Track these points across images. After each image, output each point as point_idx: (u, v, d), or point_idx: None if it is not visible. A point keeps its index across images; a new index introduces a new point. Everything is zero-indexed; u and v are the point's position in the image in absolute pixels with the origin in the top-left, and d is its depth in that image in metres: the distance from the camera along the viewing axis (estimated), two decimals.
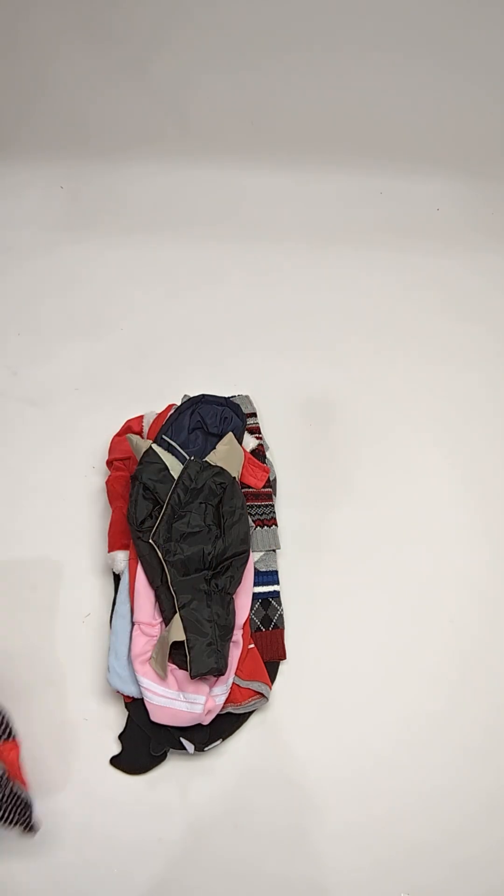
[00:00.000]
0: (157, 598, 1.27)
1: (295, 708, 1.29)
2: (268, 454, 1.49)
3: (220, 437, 1.41)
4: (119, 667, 1.25)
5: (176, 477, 1.34)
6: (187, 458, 1.37)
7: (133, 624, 1.27)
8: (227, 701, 1.23)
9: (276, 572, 1.37)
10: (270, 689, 1.27)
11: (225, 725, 1.24)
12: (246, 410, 1.52)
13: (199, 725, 1.21)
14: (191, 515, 1.31)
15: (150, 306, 1.74)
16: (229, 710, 1.24)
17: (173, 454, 1.37)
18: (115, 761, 1.23)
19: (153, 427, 1.45)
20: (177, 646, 1.21)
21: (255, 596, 1.34)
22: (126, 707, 1.25)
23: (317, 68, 1.77)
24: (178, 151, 1.89)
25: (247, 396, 1.56)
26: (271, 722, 1.28)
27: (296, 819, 1.21)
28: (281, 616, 1.34)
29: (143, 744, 1.23)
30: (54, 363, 1.65)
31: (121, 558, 1.34)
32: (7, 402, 1.59)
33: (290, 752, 1.25)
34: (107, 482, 1.43)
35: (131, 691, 1.23)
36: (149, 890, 1.15)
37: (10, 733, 1.16)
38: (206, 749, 1.22)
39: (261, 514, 1.40)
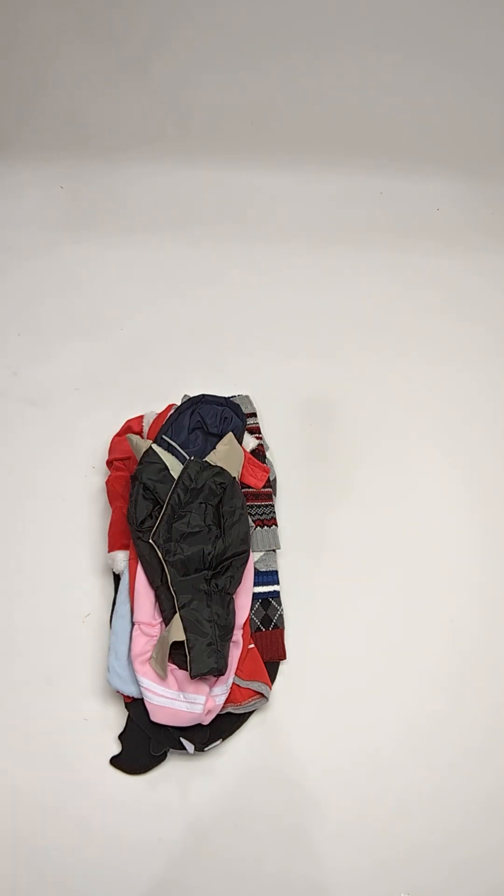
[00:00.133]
0: (157, 598, 1.27)
1: (295, 708, 1.29)
2: (268, 454, 1.49)
3: (220, 437, 1.41)
4: (119, 667, 1.25)
5: (176, 477, 1.34)
6: (187, 458, 1.37)
7: (133, 624, 1.27)
8: (227, 701, 1.23)
9: (276, 572, 1.37)
10: (270, 689, 1.27)
11: (225, 725, 1.24)
12: (246, 410, 1.52)
13: (199, 725, 1.21)
14: (191, 515, 1.31)
15: (150, 306, 1.74)
16: (229, 710, 1.23)
17: (173, 454, 1.37)
18: (115, 761, 1.23)
19: (153, 427, 1.45)
20: (177, 646, 1.21)
21: (255, 596, 1.34)
22: (126, 707, 1.25)
23: (317, 68, 1.77)
24: (178, 151, 1.89)
25: (247, 396, 1.56)
26: (271, 722, 1.28)
27: (296, 819, 1.21)
28: (281, 616, 1.34)
29: (143, 744, 1.23)
30: (54, 363, 1.65)
31: (121, 558, 1.34)
32: (7, 402, 1.59)
33: (290, 752, 1.25)
34: (107, 482, 1.43)
35: (131, 691, 1.23)
36: (149, 890, 1.15)
37: None
38: (206, 749, 1.22)
39: (261, 514, 1.40)
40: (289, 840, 1.19)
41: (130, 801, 1.21)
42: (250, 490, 1.41)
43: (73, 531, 1.43)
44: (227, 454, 1.38)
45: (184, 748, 1.20)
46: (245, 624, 1.30)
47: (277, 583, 1.36)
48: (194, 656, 1.18)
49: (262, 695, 1.25)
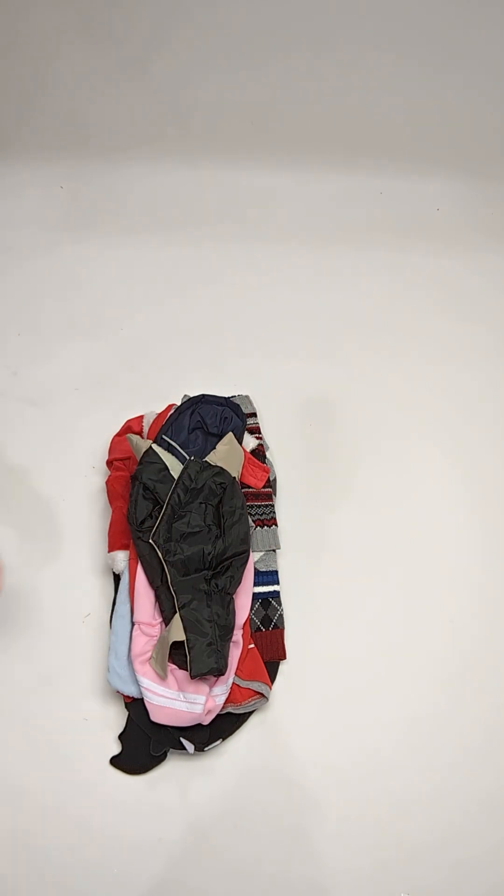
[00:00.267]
0: (157, 598, 1.27)
1: (295, 708, 1.29)
2: (268, 454, 1.49)
3: (220, 437, 1.41)
4: (119, 667, 1.25)
5: (176, 477, 1.34)
6: (187, 458, 1.37)
7: (133, 624, 1.27)
8: (227, 701, 1.23)
9: (276, 572, 1.37)
10: (270, 689, 1.27)
11: (225, 725, 1.24)
12: (246, 410, 1.52)
13: (199, 725, 1.21)
14: (191, 515, 1.31)
15: (150, 306, 1.74)
16: (229, 710, 1.23)
17: (173, 454, 1.37)
18: (115, 761, 1.23)
19: (153, 427, 1.45)
20: (177, 646, 1.21)
21: (255, 596, 1.34)
22: (126, 707, 1.25)
23: (317, 68, 1.77)
24: (178, 151, 1.89)
25: (247, 396, 1.56)
26: (271, 722, 1.28)
27: (296, 819, 1.21)
28: (281, 616, 1.34)
29: (143, 744, 1.23)
30: (54, 363, 1.65)
31: (121, 558, 1.34)
32: (7, 402, 1.59)
33: (290, 752, 1.25)
34: (107, 482, 1.43)
35: (131, 691, 1.23)
36: (149, 890, 1.15)
37: None
38: (206, 749, 1.22)
39: (261, 514, 1.40)
40: (289, 840, 1.19)
41: (130, 801, 1.21)
42: (250, 490, 1.41)
43: (73, 531, 1.43)
44: (227, 454, 1.38)
45: (184, 748, 1.20)
46: (245, 624, 1.30)
47: (277, 583, 1.36)
48: (194, 656, 1.18)
49: (262, 695, 1.25)
